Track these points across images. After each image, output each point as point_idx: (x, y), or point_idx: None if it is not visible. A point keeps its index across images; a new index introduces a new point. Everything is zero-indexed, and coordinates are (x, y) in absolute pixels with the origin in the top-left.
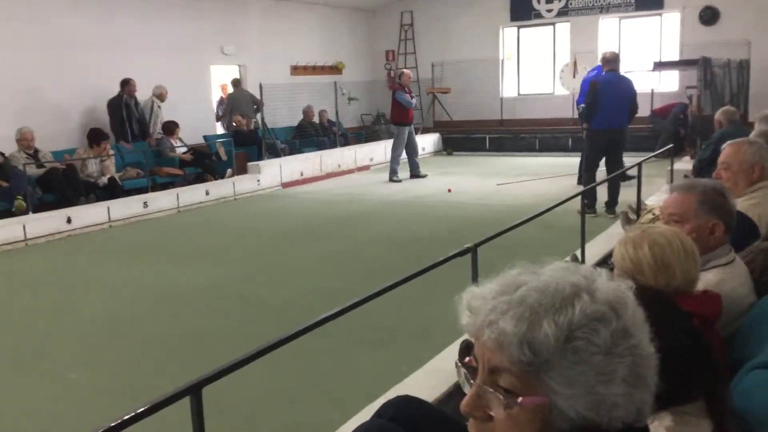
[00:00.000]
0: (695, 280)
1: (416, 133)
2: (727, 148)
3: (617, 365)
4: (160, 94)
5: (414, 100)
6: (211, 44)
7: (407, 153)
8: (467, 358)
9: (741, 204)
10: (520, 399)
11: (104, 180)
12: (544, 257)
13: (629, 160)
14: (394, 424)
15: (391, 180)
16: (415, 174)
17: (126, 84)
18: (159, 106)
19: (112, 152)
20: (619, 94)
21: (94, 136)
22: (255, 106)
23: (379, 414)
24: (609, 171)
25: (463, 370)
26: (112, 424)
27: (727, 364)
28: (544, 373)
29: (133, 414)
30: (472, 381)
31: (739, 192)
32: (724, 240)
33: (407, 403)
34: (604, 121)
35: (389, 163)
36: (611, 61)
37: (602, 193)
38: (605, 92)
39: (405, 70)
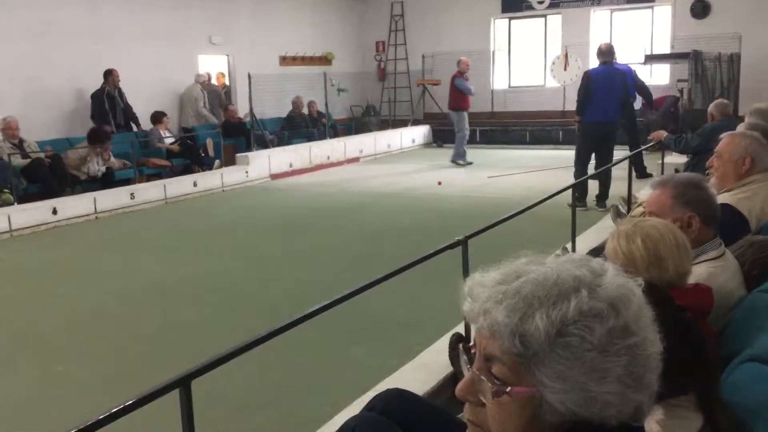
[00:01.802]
0: (687, 273)
1: (408, 125)
2: (724, 137)
3: (612, 364)
4: (204, 82)
5: (473, 87)
6: (199, 33)
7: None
8: (471, 343)
9: (731, 198)
10: (509, 388)
11: (102, 170)
12: (549, 249)
13: (620, 153)
14: (384, 417)
15: (456, 163)
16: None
17: (108, 75)
18: (203, 92)
19: (109, 151)
20: (613, 87)
21: (97, 137)
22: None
23: (369, 407)
24: (600, 164)
25: (463, 355)
26: (102, 417)
27: (718, 358)
28: (534, 365)
29: (123, 406)
30: (469, 366)
31: (727, 182)
32: (707, 232)
33: (397, 396)
34: (597, 114)
35: (453, 148)
36: (606, 53)
37: (593, 187)
38: (599, 85)
39: (463, 57)
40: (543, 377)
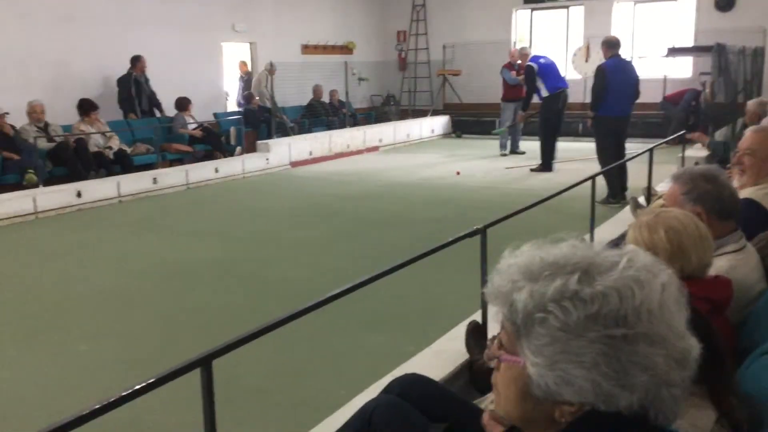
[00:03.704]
0: (709, 265)
1: (428, 114)
2: (752, 134)
3: (588, 349)
4: (271, 69)
5: (520, 77)
6: (223, 21)
7: (510, 130)
8: None
9: (756, 192)
10: (501, 355)
11: (110, 154)
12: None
13: (640, 146)
14: (401, 400)
15: (501, 154)
16: (513, 150)
17: (136, 61)
18: (269, 79)
19: (102, 121)
20: (627, 80)
21: (84, 107)
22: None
23: (386, 390)
24: (616, 159)
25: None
26: (124, 393)
27: (734, 350)
28: (523, 336)
29: (144, 384)
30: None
31: (762, 179)
32: (722, 226)
33: (415, 380)
34: (614, 107)
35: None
36: (616, 45)
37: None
38: (614, 78)
39: (512, 48)
40: (526, 349)
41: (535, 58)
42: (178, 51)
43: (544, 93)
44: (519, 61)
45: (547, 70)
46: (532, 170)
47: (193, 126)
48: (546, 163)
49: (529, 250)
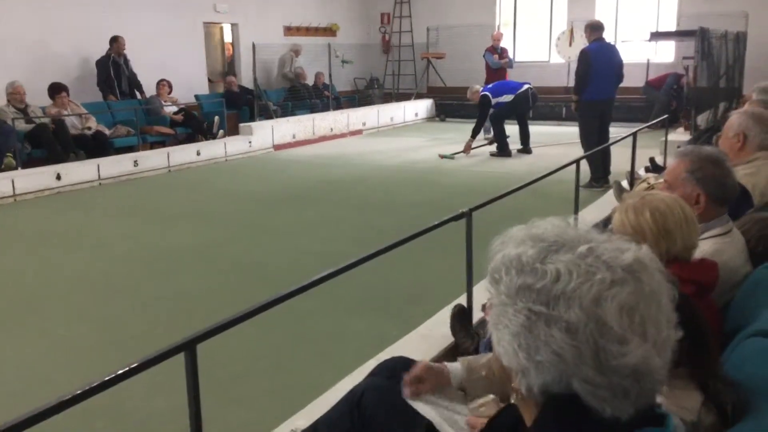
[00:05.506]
0: (694, 247)
1: (411, 98)
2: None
3: (512, 316)
4: (296, 50)
5: (503, 61)
6: (204, 1)
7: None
8: None
9: (737, 173)
10: (487, 311)
11: (89, 132)
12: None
13: (623, 130)
14: (390, 383)
15: (485, 139)
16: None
17: (114, 42)
18: (294, 60)
19: (76, 103)
20: (611, 63)
21: (53, 90)
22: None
23: (373, 374)
24: (599, 143)
25: None
26: (107, 378)
27: (720, 334)
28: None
29: (128, 369)
30: None
31: (739, 160)
32: (715, 210)
33: (401, 363)
34: (598, 91)
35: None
36: (599, 29)
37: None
38: (597, 62)
39: (494, 32)
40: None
41: (484, 89)
42: (158, 32)
43: (509, 99)
44: (501, 45)
45: (501, 86)
46: (492, 154)
47: (174, 109)
48: (503, 149)
49: (545, 223)
